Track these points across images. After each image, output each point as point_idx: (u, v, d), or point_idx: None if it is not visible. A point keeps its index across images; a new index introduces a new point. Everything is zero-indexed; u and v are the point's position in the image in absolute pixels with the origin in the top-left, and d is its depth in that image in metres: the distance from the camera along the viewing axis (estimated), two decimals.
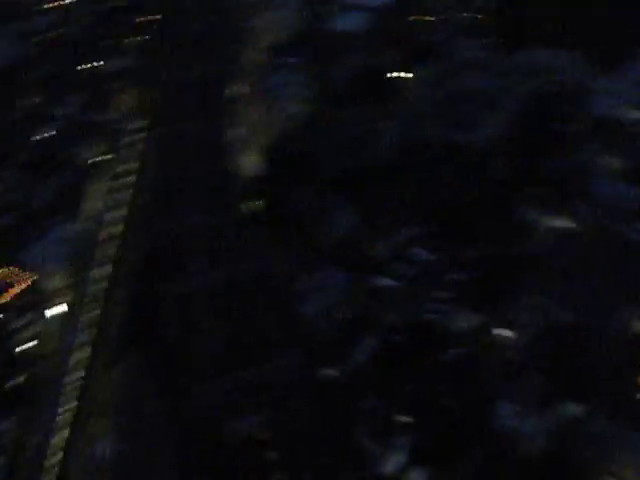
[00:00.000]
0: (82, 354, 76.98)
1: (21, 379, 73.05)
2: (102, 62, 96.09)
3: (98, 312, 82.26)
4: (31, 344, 76.64)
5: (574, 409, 69.52)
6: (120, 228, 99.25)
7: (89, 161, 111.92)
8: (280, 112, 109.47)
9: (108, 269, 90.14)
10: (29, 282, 78.80)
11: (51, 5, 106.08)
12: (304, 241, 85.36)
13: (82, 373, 75.12)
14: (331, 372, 70.84)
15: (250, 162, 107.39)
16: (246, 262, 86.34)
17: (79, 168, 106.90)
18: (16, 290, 76.77)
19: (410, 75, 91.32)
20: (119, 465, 72.36)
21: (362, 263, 79.33)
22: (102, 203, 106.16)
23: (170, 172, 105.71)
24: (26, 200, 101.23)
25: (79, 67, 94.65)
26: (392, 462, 65.34)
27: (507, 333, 74.00)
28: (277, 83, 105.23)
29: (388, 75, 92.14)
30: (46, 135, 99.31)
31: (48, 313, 78.17)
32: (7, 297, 76.13)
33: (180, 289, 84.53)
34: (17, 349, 73.85)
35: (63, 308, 79.78)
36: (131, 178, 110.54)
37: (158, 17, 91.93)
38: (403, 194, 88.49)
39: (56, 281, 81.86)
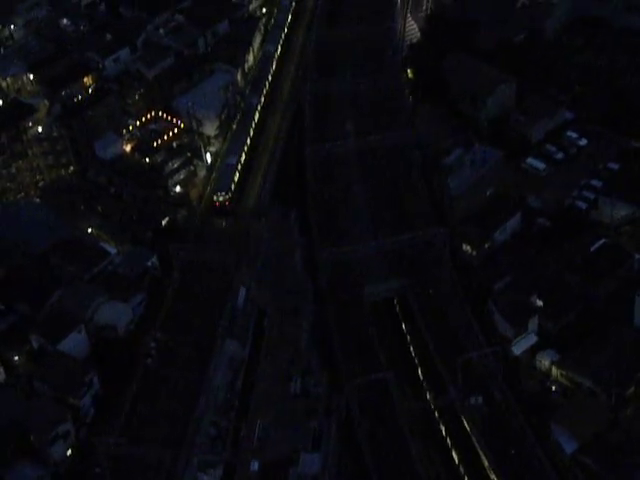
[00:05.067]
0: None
1: (170, 218, 75.47)
2: None
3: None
4: (179, 188, 78.72)
5: None
6: (270, 81, 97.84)
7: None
8: None
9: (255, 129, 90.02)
10: (181, 129, 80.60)
11: None
12: (462, 117, 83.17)
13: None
14: (469, 250, 70.33)
15: (409, 28, 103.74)
16: (405, 129, 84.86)
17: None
18: (169, 136, 78.80)
19: None
20: (259, 310, 74.15)
21: (515, 142, 77.28)
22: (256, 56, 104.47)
23: (335, 35, 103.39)
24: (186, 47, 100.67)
25: None
26: (522, 343, 65.04)
27: None
28: None
29: None
30: None
31: (196, 160, 79.75)
32: (161, 142, 78.32)
33: (333, 150, 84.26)
34: (168, 190, 76.19)
35: (209, 157, 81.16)
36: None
37: None
38: (562, 75, 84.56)
39: (206, 130, 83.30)
